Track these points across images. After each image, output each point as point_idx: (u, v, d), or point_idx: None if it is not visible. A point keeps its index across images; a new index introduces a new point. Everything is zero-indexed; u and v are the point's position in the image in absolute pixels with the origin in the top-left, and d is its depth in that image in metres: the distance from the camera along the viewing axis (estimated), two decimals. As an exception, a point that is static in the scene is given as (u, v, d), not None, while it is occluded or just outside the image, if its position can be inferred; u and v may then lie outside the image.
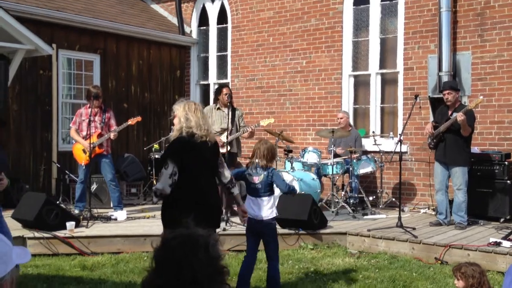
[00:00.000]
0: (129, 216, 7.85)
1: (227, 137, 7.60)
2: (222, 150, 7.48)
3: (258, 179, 4.90)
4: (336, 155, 8.53)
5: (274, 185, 5.04)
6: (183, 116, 4.45)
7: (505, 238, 6.26)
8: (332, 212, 8.16)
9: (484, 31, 8.54)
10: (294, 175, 8.20)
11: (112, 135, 7.88)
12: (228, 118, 7.67)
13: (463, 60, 8.71)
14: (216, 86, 9.63)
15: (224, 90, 7.92)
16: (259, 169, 4.91)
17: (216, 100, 8.04)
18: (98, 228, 7.16)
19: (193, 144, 4.38)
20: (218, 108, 7.91)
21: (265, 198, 4.91)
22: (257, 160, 4.92)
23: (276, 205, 6.18)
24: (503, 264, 5.87)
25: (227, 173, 4.68)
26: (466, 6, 8.69)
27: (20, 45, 8.44)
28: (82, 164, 7.90)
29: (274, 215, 5.01)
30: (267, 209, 4.93)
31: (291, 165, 8.64)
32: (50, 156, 9.66)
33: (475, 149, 8.03)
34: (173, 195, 4.34)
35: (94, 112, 7.93)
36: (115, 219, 7.67)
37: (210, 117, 7.85)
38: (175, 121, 4.54)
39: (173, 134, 4.56)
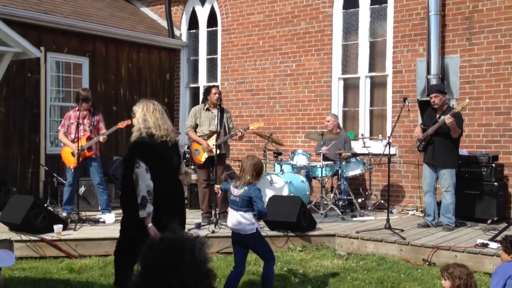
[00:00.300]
0: (117, 219, 7.76)
1: (216, 140, 7.57)
2: (212, 153, 7.49)
3: (238, 192, 4.91)
4: (325, 158, 8.54)
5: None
6: (141, 117, 4.49)
7: (492, 239, 6.29)
8: (321, 214, 8.17)
9: (472, 35, 8.60)
10: (283, 177, 8.20)
11: (101, 138, 7.86)
12: (217, 120, 7.63)
13: (452, 63, 8.77)
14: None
15: (214, 90, 7.82)
16: (242, 184, 4.91)
17: (204, 100, 7.91)
18: (86, 231, 7.12)
19: (153, 145, 4.40)
20: (207, 109, 7.81)
21: (243, 213, 4.86)
22: (246, 176, 4.90)
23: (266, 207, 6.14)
24: (490, 265, 5.90)
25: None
26: (454, 9, 8.76)
27: (8, 48, 8.40)
28: (71, 167, 7.86)
29: (255, 229, 4.95)
30: (247, 224, 4.89)
31: (281, 167, 8.64)
32: (38, 159, 9.61)
33: (463, 151, 8.08)
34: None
35: (83, 115, 7.89)
36: (103, 222, 7.64)
37: (198, 118, 7.81)
38: (134, 121, 4.57)
39: (133, 135, 4.57)
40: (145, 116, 4.47)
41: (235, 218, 4.92)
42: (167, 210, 4.48)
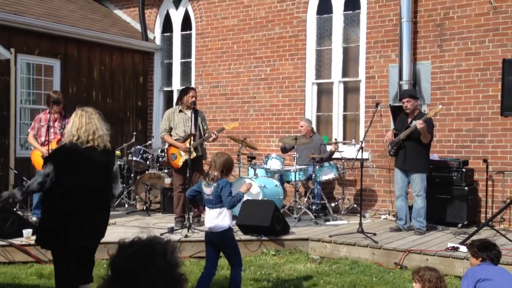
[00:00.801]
0: (89, 223, 7.68)
1: (189, 143, 7.52)
2: (189, 156, 7.41)
3: (210, 190, 4.92)
4: (299, 162, 8.57)
5: None
6: (70, 123, 4.47)
7: (463, 243, 6.38)
8: (295, 218, 8.19)
9: (443, 41, 8.75)
10: (257, 181, 8.20)
11: None
12: (192, 122, 7.57)
13: (423, 70, 8.90)
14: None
15: (191, 93, 7.77)
16: (211, 181, 4.92)
17: (179, 101, 7.85)
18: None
19: (74, 152, 4.33)
20: (180, 111, 7.75)
21: (217, 210, 4.90)
22: (210, 172, 4.94)
23: (238, 211, 6.14)
24: (460, 268, 5.99)
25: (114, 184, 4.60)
26: (426, 16, 8.90)
27: (-23, 48, 8.24)
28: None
29: (227, 226, 4.94)
30: (220, 220, 4.90)
31: (254, 171, 8.64)
32: (8, 162, 9.41)
33: (434, 156, 8.19)
34: (53, 205, 4.31)
35: (53, 118, 7.76)
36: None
37: (172, 121, 7.75)
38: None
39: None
40: (72, 122, 4.44)
41: (211, 216, 4.93)
42: (77, 224, 4.31)
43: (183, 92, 7.89)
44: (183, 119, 7.71)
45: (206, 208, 5.03)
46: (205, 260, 5.12)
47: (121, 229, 7.51)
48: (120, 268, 1.82)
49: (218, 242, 4.97)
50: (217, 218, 4.91)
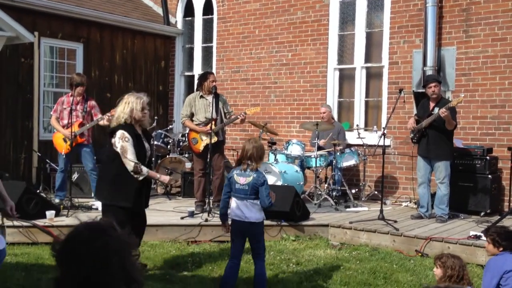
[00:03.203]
0: (110, 206, 7.75)
1: (211, 128, 7.46)
2: (212, 140, 7.40)
3: (245, 180, 4.70)
4: (319, 148, 8.53)
5: None
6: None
7: (484, 232, 6.29)
8: (315, 204, 8.17)
9: (469, 27, 8.57)
10: (277, 167, 8.18)
11: (101, 122, 7.65)
12: (212, 107, 7.51)
13: (448, 55, 8.75)
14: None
15: (211, 77, 7.70)
16: (248, 171, 4.73)
17: (199, 86, 7.80)
18: (78, 217, 7.07)
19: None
20: (201, 96, 7.71)
21: (252, 201, 4.71)
22: (248, 163, 4.73)
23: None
24: (482, 257, 5.91)
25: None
26: (452, 1, 8.72)
27: (1, 32, 8.30)
28: (62, 153, 7.79)
29: (262, 218, 4.82)
30: (256, 211, 4.73)
31: (275, 157, 8.62)
32: (31, 145, 9.54)
33: (458, 142, 8.07)
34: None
35: (76, 101, 7.81)
36: (96, 209, 7.59)
37: (193, 106, 7.74)
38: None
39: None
40: None
41: (242, 207, 4.72)
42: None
43: (202, 78, 7.84)
44: (204, 104, 7.68)
45: (234, 197, 4.79)
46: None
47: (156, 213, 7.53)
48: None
49: (251, 233, 4.77)
50: (252, 209, 4.70)
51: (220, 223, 5.06)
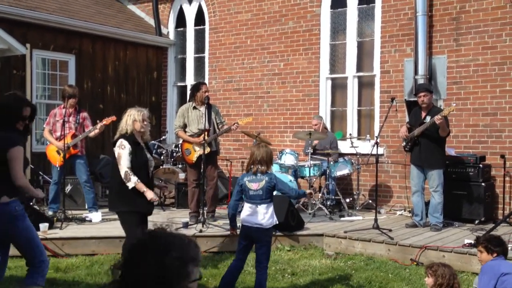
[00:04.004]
0: (104, 218, 7.72)
1: (204, 138, 7.45)
2: (203, 151, 7.39)
3: (258, 185, 4.73)
4: (313, 153, 8.54)
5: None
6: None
7: (476, 241, 6.31)
8: (309, 214, 8.17)
9: (459, 35, 8.65)
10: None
11: (91, 134, 7.70)
12: (205, 117, 7.51)
13: (439, 64, 8.81)
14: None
15: (204, 88, 7.72)
16: (259, 175, 4.75)
17: (192, 97, 7.80)
18: (72, 230, 7.04)
19: None
20: (194, 107, 7.72)
21: (265, 205, 4.73)
22: (258, 167, 4.75)
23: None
24: (477, 265, 5.89)
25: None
26: (442, 10, 8.80)
27: (-7, 44, 8.28)
28: (57, 165, 7.76)
29: (275, 221, 4.85)
30: (269, 216, 4.75)
31: (269, 167, 8.61)
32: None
33: (451, 151, 8.11)
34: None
35: (68, 113, 7.79)
36: (90, 221, 7.56)
37: (186, 117, 7.74)
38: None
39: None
40: None
41: (255, 212, 4.74)
42: None
43: (195, 88, 7.83)
44: (197, 115, 7.68)
45: (248, 203, 4.81)
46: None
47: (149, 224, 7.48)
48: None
49: (258, 238, 4.78)
50: (266, 213, 4.73)
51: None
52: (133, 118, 5.21)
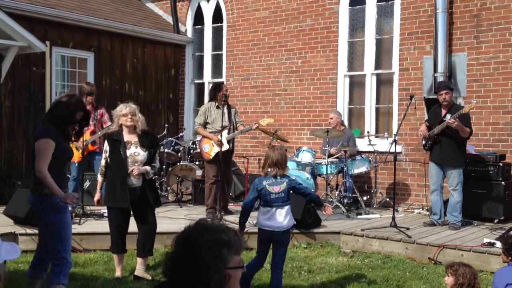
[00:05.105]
0: (121, 214, 7.75)
1: (228, 134, 7.71)
2: (224, 148, 7.54)
3: (279, 188, 4.73)
4: (330, 156, 8.51)
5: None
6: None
7: (499, 239, 6.23)
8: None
9: (480, 33, 8.54)
10: (289, 174, 8.15)
11: (112, 129, 7.76)
12: (227, 116, 7.80)
13: (459, 61, 8.71)
14: (211, 84, 9.66)
15: (224, 88, 8.00)
16: (279, 178, 4.76)
17: (214, 97, 7.97)
18: (90, 225, 7.10)
19: None
20: (217, 107, 7.89)
21: (287, 207, 4.77)
22: (276, 169, 4.75)
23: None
24: (496, 265, 5.84)
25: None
26: (462, 7, 8.70)
27: (13, 42, 8.38)
28: (75, 162, 7.83)
29: (293, 222, 4.89)
30: (289, 218, 4.77)
31: (286, 164, 8.60)
32: (43, 154, 9.57)
33: (470, 148, 8.01)
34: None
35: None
36: (108, 216, 7.60)
37: (209, 116, 7.93)
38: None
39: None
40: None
41: (277, 215, 4.73)
42: None
43: (216, 89, 8.03)
44: (220, 114, 7.83)
45: (267, 207, 4.78)
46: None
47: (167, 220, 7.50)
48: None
49: (282, 241, 4.80)
50: (287, 215, 4.75)
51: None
52: (116, 114, 5.53)
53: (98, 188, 5.68)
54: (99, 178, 5.65)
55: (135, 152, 5.45)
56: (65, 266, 4.45)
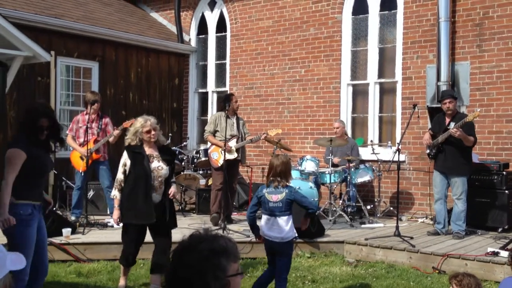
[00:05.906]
0: (125, 224, 7.78)
1: (225, 144, 7.69)
2: (232, 156, 7.75)
3: (278, 197, 4.73)
4: (333, 165, 8.52)
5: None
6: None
7: (503, 248, 6.23)
8: (330, 220, 8.14)
9: (482, 41, 8.56)
10: (292, 183, 8.15)
11: (111, 139, 7.82)
12: (236, 126, 8.06)
13: (462, 70, 8.73)
14: (221, 95, 9.87)
15: (234, 98, 8.18)
16: (279, 187, 4.76)
17: (225, 107, 8.02)
18: (94, 235, 7.12)
19: None
20: (228, 117, 7.93)
21: (285, 218, 4.73)
22: (278, 179, 4.76)
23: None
24: (500, 274, 5.84)
25: None
26: (464, 16, 8.72)
27: (18, 52, 8.43)
28: (80, 171, 7.86)
29: (295, 234, 4.86)
30: (288, 229, 4.74)
31: (289, 173, 8.61)
32: (47, 163, 9.60)
33: (474, 157, 8.00)
34: None
35: (91, 119, 7.89)
36: (112, 226, 7.62)
37: (219, 124, 8.08)
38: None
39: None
40: None
41: (274, 225, 4.74)
42: None
43: (226, 100, 8.15)
44: (230, 124, 7.98)
45: (267, 215, 4.80)
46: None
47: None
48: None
49: (283, 252, 4.79)
50: (286, 226, 4.73)
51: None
52: (135, 129, 5.27)
53: (116, 205, 5.26)
54: (117, 194, 5.24)
55: (159, 167, 5.25)
56: (21, 286, 4.15)
